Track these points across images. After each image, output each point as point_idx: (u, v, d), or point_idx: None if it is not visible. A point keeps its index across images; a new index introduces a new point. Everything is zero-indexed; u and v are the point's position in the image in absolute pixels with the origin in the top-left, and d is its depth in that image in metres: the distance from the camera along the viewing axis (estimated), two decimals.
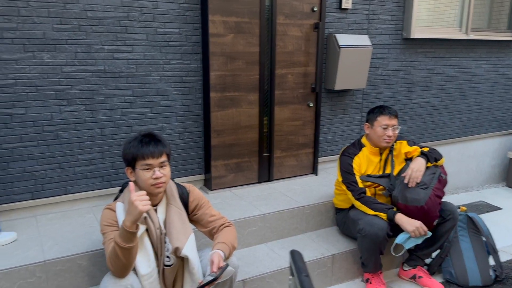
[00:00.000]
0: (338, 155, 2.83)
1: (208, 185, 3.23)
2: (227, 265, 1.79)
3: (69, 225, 2.54)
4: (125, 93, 2.83)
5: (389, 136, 2.62)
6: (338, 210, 2.95)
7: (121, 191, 2.10)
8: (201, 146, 3.20)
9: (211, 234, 2.06)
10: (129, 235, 1.70)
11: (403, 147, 2.73)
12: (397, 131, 2.66)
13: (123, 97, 2.83)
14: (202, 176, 3.25)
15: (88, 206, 2.84)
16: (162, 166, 1.88)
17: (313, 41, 3.39)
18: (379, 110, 2.67)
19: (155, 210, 1.95)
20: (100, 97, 2.77)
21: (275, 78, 3.29)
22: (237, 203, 3.01)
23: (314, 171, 3.64)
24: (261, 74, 3.22)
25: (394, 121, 2.64)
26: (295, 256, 1.18)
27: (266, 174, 3.42)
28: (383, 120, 2.63)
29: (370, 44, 3.60)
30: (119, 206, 1.91)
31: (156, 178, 1.85)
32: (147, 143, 1.86)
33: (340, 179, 2.69)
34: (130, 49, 2.80)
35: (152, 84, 2.92)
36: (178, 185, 2.09)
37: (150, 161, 1.85)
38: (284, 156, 3.47)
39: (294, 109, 3.44)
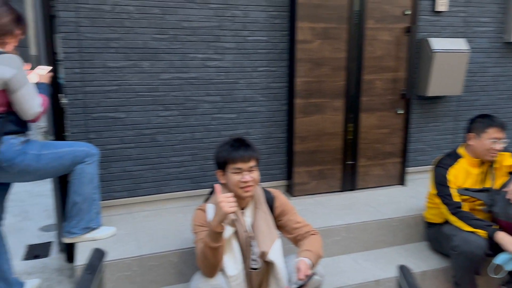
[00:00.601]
0: (431, 166, 2.63)
1: (290, 191, 3.20)
2: (313, 274, 1.74)
3: (161, 223, 2.67)
4: (214, 100, 2.92)
5: (497, 150, 2.39)
6: (429, 225, 2.74)
7: (211, 193, 2.16)
8: (284, 152, 3.19)
9: (296, 241, 2.03)
10: (216, 235, 1.73)
11: (505, 159, 2.47)
12: (505, 145, 2.42)
13: (212, 103, 2.92)
14: (284, 182, 3.24)
15: (178, 205, 2.96)
16: (251, 171, 1.90)
17: (404, 46, 3.22)
18: (489, 120, 2.43)
19: (243, 214, 1.97)
20: (192, 103, 2.88)
21: (362, 84, 3.17)
22: (319, 211, 2.94)
23: (402, 181, 3.44)
24: (347, 80, 3.13)
25: (504, 134, 2.40)
26: (405, 271, 1.10)
27: (349, 182, 3.30)
28: (494, 132, 2.39)
29: (467, 48, 3.33)
30: (210, 208, 1.95)
31: (245, 182, 1.87)
32: (238, 148, 1.89)
33: (434, 192, 2.50)
34: (220, 57, 2.88)
35: (240, 90, 2.97)
36: (264, 190, 2.09)
37: (240, 165, 1.87)
38: (369, 165, 3.32)
39: (381, 116, 3.29)
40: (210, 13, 2.80)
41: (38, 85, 2.13)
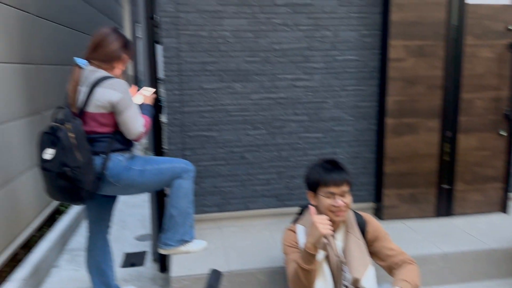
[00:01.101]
0: None
1: (378, 214, 3.07)
2: None
3: (249, 239, 2.71)
4: (301, 119, 2.92)
5: None
6: None
7: (299, 213, 2.14)
8: (372, 173, 3.07)
9: (390, 269, 1.92)
10: (310, 257, 1.70)
11: None
12: None
13: (299, 122, 2.93)
14: (372, 204, 3.11)
15: (264, 223, 2.99)
16: (343, 195, 1.85)
17: (507, 63, 2.95)
18: None
19: (334, 237, 1.92)
20: (280, 122, 2.91)
21: (461, 103, 2.96)
22: (411, 237, 2.77)
23: (504, 209, 3.12)
24: (444, 99, 2.94)
25: None
26: None
27: (445, 208, 3.07)
28: None
29: None
30: (300, 229, 1.94)
31: (337, 206, 1.83)
32: (331, 170, 1.85)
33: None
34: (309, 77, 2.88)
35: (327, 110, 2.94)
36: (355, 213, 2.02)
37: (333, 189, 1.83)
38: (467, 189, 3.07)
39: (481, 138, 3.03)
40: (300, 34, 2.83)
41: (142, 106, 2.30)
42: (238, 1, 2.74)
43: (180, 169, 2.36)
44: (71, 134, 1.89)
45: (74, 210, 3.51)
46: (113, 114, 2.03)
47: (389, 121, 2.92)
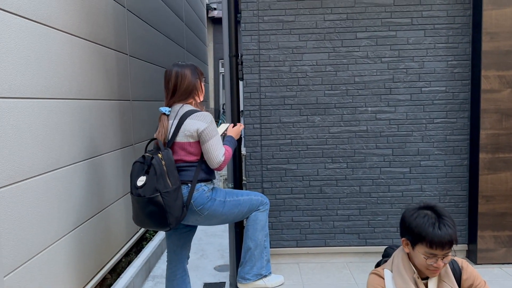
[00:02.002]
0: None
1: (472, 257, 2.77)
2: None
3: (328, 278, 2.59)
4: (384, 153, 2.79)
5: None
6: None
7: (384, 255, 1.99)
8: (464, 212, 2.80)
9: None
10: None
11: None
12: None
13: (382, 156, 2.80)
14: (464, 247, 2.82)
15: (343, 261, 2.85)
16: (446, 255, 1.65)
17: None
18: None
19: (425, 285, 1.74)
20: (361, 156, 2.81)
21: None
22: (510, 285, 2.45)
23: None
24: None
25: None
26: None
27: None
28: None
29: None
30: (387, 274, 1.79)
31: (436, 267, 1.64)
32: (439, 228, 1.64)
33: None
34: (392, 109, 2.77)
35: (413, 143, 2.78)
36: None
37: (437, 251, 1.63)
38: None
39: None
40: (383, 66, 2.75)
41: (226, 137, 2.37)
42: (319, 36, 2.75)
43: (257, 202, 2.37)
44: (163, 162, 2.00)
45: (159, 237, 3.65)
46: (199, 143, 2.12)
47: (483, 156, 2.67)
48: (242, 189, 2.89)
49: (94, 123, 2.55)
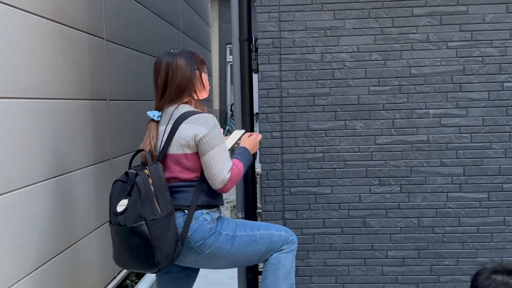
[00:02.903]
0: None
1: None
2: None
3: None
4: (453, 172, 2.77)
5: None
6: None
7: None
8: None
9: None
10: None
11: None
12: None
13: (450, 176, 2.78)
14: None
15: None
16: None
17: None
18: None
19: None
20: (420, 176, 2.79)
21: None
22: None
23: None
24: None
25: None
26: None
27: None
28: None
29: None
30: None
31: None
32: None
33: None
34: (463, 112, 2.76)
35: (492, 159, 2.76)
36: None
37: None
38: None
39: None
40: (450, 53, 2.74)
41: (238, 148, 2.35)
42: (361, 14, 2.76)
43: (279, 239, 2.33)
44: (150, 180, 1.99)
45: (144, 285, 3.65)
46: (198, 154, 2.11)
47: None
48: (256, 220, 2.88)
49: (59, 130, 2.58)
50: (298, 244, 2.71)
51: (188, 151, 2.09)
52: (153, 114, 2.18)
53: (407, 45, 2.76)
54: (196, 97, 2.21)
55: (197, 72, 2.20)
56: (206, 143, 2.08)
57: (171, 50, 2.21)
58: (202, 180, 2.13)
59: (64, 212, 2.63)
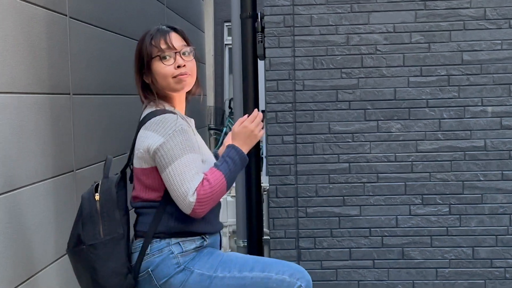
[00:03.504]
0: None
1: None
2: None
3: None
4: None
5: None
6: None
7: None
8: None
9: None
10: None
11: None
12: None
13: None
14: None
15: None
16: None
17: None
18: None
19: None
20: (476, 193, 2.76)
21: None
22: None
23: None
24: None
25: None
26: None
27: None
28: None
29: None
30: None
31: None
32: None
33: None
34: None
35: None
36: None
37: None
38: None
39: None
40: None
41: (225, 150, 2.15)
42: None
43: (278, 285, 2.21)
44: (96, 196, 2.02)
45: None
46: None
47: None
48: (261, 250, 2.82)
49: (7, 133, 2.50)
50: (317, 281, 2.65)
51: (145, 165, 2.04)
52: None
53: (458, 24, 2.72)
54: (148, 95, 2.14)
55: (142, 55, 2.08)
56: (162, 156, 1.98)
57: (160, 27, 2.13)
58: (166, 200, 2.05)
59: (15, 239, 2.54)
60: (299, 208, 2.77)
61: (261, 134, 2.15)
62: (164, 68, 2.03)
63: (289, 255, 2.76)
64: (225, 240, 5.04)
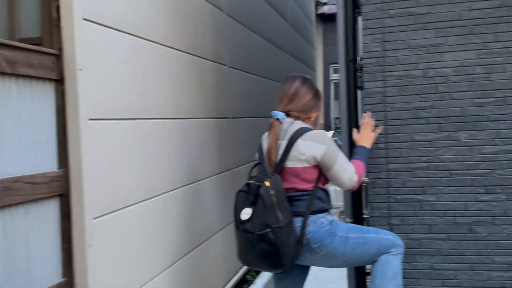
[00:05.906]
0: None
1: None
2: None
3: None
4: None
5: None
6: None
7: None
8: None
9: None
10: None
11: None
12: None
13: None
14: None
15: None
16: None
17: None
18: None
19: None
20: None
21: None
22: None
23: None
24: None
25: None
26: None
27: None
28: None
29: None
30: None
31: None
32: None
33: None
34: None
35: None
36: None
37: None
38: None
39: None
40: None
41: (356, 148, 2.41)
42: (463, 30, 2.65)
43: (388, 243, 2.33)
44: (271, 191, 2.08)
45: (263, 280, 3.74)
46: (316, 168, 2.21)
47: None
48: (362, 224, 2.86)
49: (191, 145, 2.75)
50: (405, 248, 2.66)
51: (306, 165, 2.18)
52: (279, 115, 2.28)
53: (510, 58, 2.61)
54: (312, 116, 2.35)
55: (315, 97, 2.36)
56: (329, 158, 2.18)
57: (299, 76, 2.39)
58: (316, 189, 2.21)
59: (195, 215, 2.79)
60: (390, 196, 2.75)
61: (375, 133, 2.56)
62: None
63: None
64: (335, 218, 5.12)
